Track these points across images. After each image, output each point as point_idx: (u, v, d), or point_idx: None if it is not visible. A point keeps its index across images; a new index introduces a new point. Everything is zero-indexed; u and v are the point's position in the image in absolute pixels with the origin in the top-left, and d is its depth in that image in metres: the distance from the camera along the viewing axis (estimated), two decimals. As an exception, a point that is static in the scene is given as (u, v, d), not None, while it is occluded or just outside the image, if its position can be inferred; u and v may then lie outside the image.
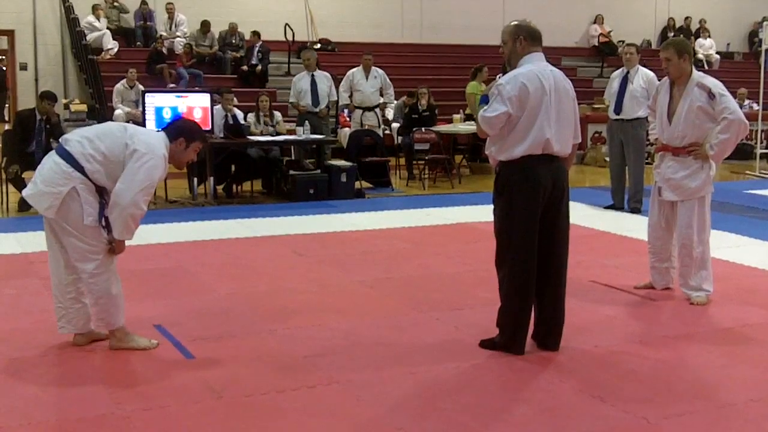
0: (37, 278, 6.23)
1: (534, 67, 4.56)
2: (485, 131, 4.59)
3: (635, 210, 9.38)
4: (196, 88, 14.78)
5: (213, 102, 10.39)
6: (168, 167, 4.63)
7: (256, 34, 16.88)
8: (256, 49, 16.64)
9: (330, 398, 4.07)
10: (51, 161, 4.51)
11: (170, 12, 17.08)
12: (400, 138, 13.18)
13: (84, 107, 15.45)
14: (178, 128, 4.71)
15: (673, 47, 5.65)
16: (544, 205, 4.56)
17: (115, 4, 17.05)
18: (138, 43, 17.10)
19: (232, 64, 16.88)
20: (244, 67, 16.44)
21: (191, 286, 6.26)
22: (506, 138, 4.54)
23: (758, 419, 3.87)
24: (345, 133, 13.35)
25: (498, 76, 5.74)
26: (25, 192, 4.65)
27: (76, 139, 4.51)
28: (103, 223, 4.52)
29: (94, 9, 16.44)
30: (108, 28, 16.66)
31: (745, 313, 5.55)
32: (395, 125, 13.85)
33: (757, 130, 14.89)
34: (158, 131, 4.76)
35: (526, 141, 4.48)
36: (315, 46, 16.61)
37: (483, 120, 4.55)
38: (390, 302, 5.83)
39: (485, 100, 4.67)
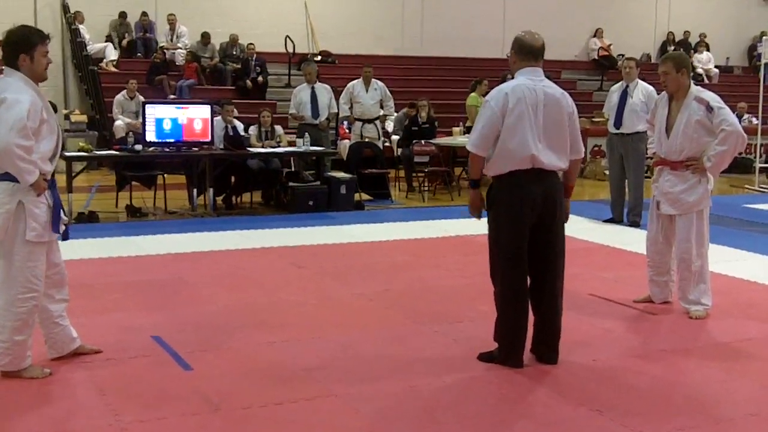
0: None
1: (525, 81, 4.56)
2: (478, 153, 4.59)
3: (634, 224, 9.38)
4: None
5: (213, 113, 10.40)
6: (39, 96, 4.34)
7: (252, 46, 16.92)
8: (252, 61, 16.68)
9: (328, 411, 4.07)
10: None
11: (171, 23, 17.15)
12: (399, 150, 13.19)
13: (84, 118, 15.47)
14: (12, 49, 4.35)
15: (671, 61, 5.67)
16: (536, 219, 4.57)
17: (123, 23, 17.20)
18: (138, 54, 17.15)
19: (232, 75, 16.93)
20: (248, 81, 16.45)
21: (190, 297, 6.26)
22: (492, 153, 4.56)
23: (757, 434, 3.87)
24: (345, 145, 13.37)
25: None
26: None
27: None
28: (61, 225, 4.43)
29: (76, 15, 16.45)
30: (111, 40, 16.79)
31: (744, 327, 5.55)
32: (395, 137, 13.87)
33: (756, 144, 14.92)
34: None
35: (511, 156, 4.50)
36: (315, 58, 16.64)
37: (474, 148, 4.58)
38: (389, 315, 5.83)
39: None
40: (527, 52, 4.63)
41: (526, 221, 4.54)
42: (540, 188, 4.54)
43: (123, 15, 17.11)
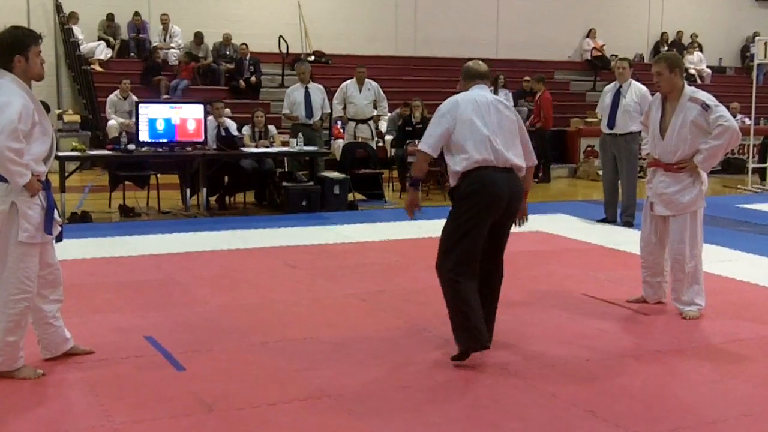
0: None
1: (473, 93, 4.90)
2: (429, 153, 4.86)
3: (627, 224, 9.39)
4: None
5: (206, 113, 10.37)
6: (30, 98, 4.31)
7: (244, 46, 16.88)
8: (246, 61, 16.65)
9: (321, 411, 4.06)
10: None
11: (165, 23, 17.09)
12: (393, 150, 13.20)
13: (77, 118, 15.43)
14: (5, 51, 4.32)
15: (665, 61, 5.68)
16: (499, 217, 4.74)
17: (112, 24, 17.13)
18: (131, 54, 17.10)
19: (225, 75, 16.90)
20: (241, 81, 16.40)
21: (183, 297, 6.24)
22: (454, 150, 4.78)
23: (750, 434, 3.87)
24: (338, 145, 13.37)
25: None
26: None
27: None
28: (54, 228, 4.43)
29: (71, 16, 16.41)
30: (103, 39, 16.76)
31: (737, 327, 5.56)
32: (388, 137, 13.87)
33: (749, 145, 14.97)
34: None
35: (473, 147, 4.69)
36: (309, 59, 16.62)
37: (426, 147, 4.85)
38: (382, 315, 5.83)
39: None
40: (473, 75, 5.01)
41: (490, 217, 4.71)
42: (507, 189, 4.72)
43: (110, 17, 17.00)
